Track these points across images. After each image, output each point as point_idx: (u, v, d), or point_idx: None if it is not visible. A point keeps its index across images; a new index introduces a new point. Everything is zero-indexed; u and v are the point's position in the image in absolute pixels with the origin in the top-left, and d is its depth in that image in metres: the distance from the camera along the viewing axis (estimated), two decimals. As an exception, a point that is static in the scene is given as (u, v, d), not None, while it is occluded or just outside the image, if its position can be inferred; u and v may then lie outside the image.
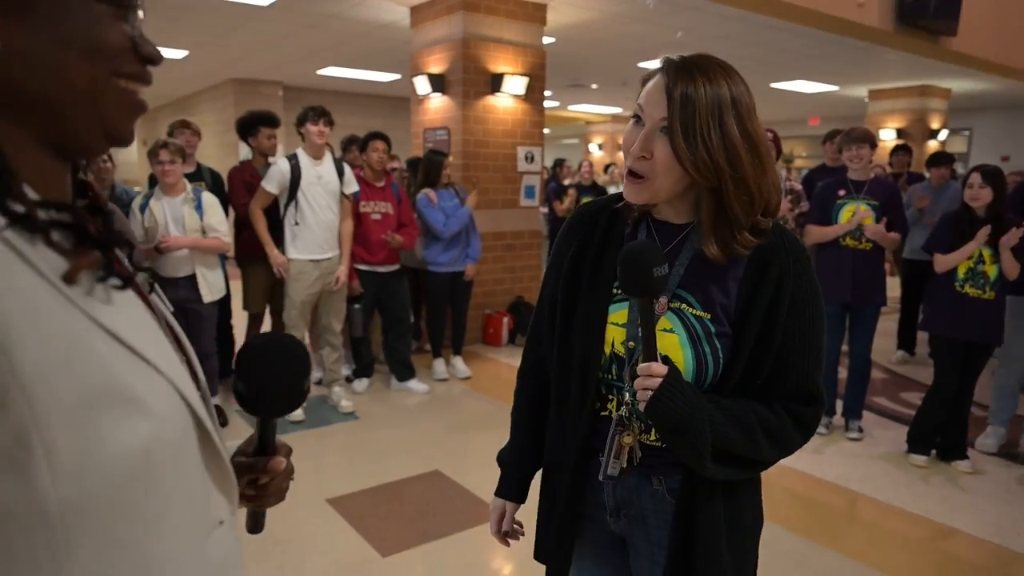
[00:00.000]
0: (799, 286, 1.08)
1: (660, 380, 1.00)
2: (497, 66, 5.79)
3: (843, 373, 4.03)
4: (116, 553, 0.55)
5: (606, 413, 1.15)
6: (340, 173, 3.99)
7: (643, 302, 1.02)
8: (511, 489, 1.32)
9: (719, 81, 1.02)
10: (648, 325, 1.03)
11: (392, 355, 4.62)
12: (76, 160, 0.63)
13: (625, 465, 1.10)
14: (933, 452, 3.55)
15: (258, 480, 0.79)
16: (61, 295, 0.52)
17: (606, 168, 11.52)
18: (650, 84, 1.07)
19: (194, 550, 0.62)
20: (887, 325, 6.45)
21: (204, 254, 3.70)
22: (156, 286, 0.70)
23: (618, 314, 1.12)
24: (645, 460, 1.13)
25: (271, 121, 4.31)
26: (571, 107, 14.56)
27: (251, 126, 4.29)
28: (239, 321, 4.56)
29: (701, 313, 1.08)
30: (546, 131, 20.32)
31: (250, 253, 4.18)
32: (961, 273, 3.29)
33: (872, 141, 3.80)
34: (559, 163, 9.08)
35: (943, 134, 10.62)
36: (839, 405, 4.01)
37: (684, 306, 1.09)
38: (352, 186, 4.07)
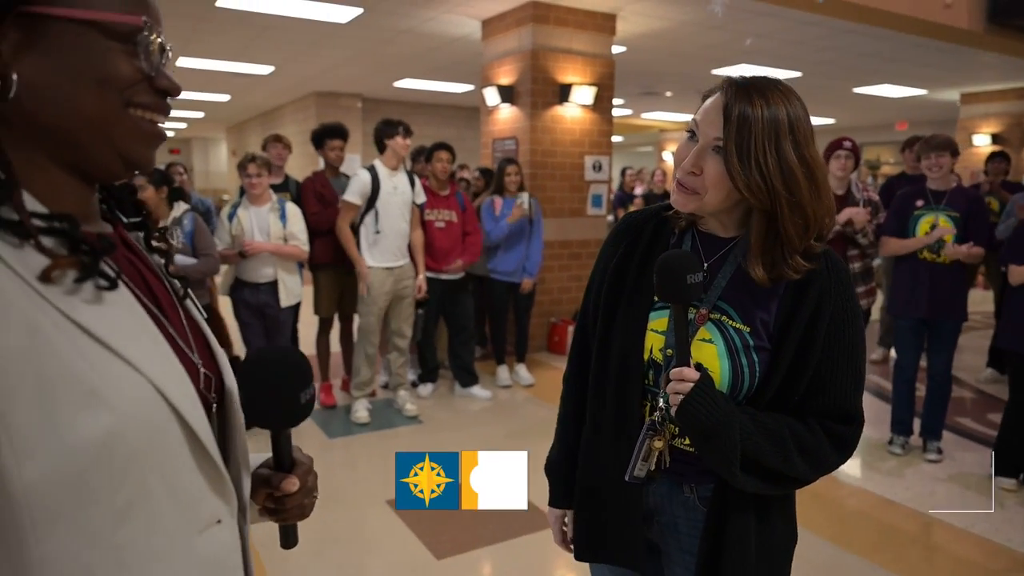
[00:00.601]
0: (839, 306, 1.08)
1: (691, 385, 1.03)
2: (565, 76, 5.83)
3: (922, 391, 3.84)
4: (85, 539, 0.58)
5: (641, 417, 1.17)
6: (412, 184, 4.13)
7: (677, 308, 1.04)
8: (565, 497, 1.33)
9: (778, 104, 1.03)
10: (682, 331, 1.05)
11: (455, 361, 4.71)
12: (99, 182, 0.69)
13: (653, 468, 1.12)
14: (1022, 476, 3.35)
15: (274, 495, 0.80)
16: (35, 292, 0.56)
17: None
18: (708, 102, 1.09)
19: (179, 545, 0.65)
20: (979, 342, 6.11)
21: (285, 260, 3.91)
22: (189, 291, 0.76)
23: (658, 321, 1.14)
24: (677, 467, 1.14)
25: (337, 133, 4.49)
26: (644, 115, 14.43)
27: (321, 138, 4.49)
28: (307, 327, 4.76)
29: (741, 326, 1.09)
30: (619, 139, 20.15)
31: (321, 260, 4.37)
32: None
33: (953, 149, 3.63)
34: (625, 171, 9.04)
35: (1045, 139, 9.95)
36: (917, 425, 3.83)
37: (724, 318, 1.10)
38: (421, 196, 4.21)
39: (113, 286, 0.61)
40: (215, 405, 0.72)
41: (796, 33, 6.74)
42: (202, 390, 0.70)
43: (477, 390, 4.65)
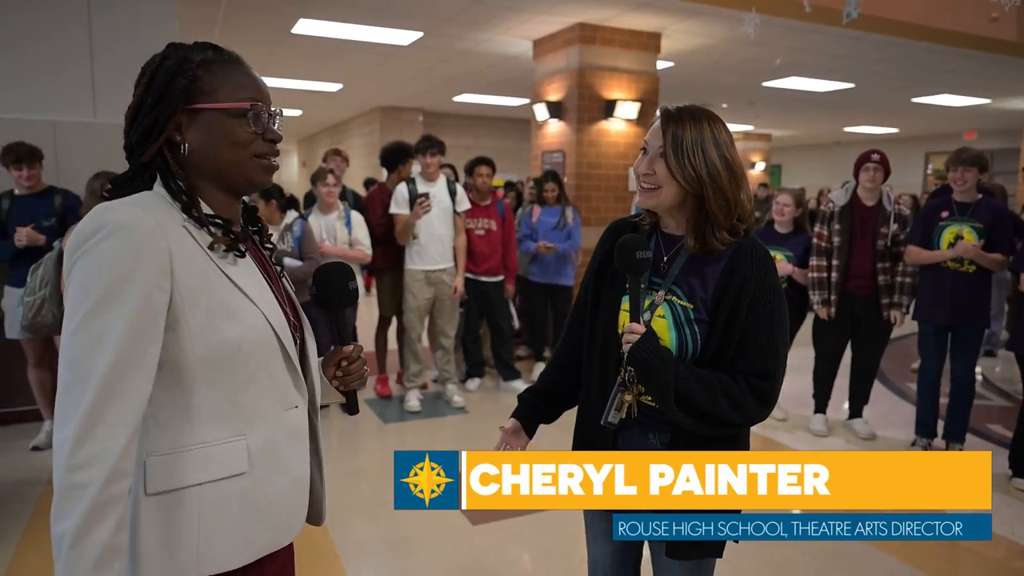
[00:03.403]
0: (759, 285, 1.39)
1: (638, 336, 1.37)
2: (611, 93, 6.15)
3: (948, 398, 3.96)
4: (222, 395, 1.01)
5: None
6: (452, 193, 4.52)
7: (632, 277, 1.38)
8: (521, 414, 1.63)
9: (700, 121, 1.39)
10: (635, 296, 1.38)
11: (497, 357, 5.09)
12: (241, 196, 1.13)
13: (624, 416, 1.44)
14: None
15: (340, 364, 1.24)
16: (207, 255, 1.01)
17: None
18: (653, 126, 1.45)
19: (272, 412, 1.07)
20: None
21: (350, 262, 4.36)
22: (283, 270, 1.21)
23: (627, 303, 1.45)
24: (643, 419, 1.46)
25: (407, 154, 4.90)
26: (700, 126, 14.52)
27: (400, 158, 4.86)
28: (365, 326, 5.20)
29: (686, 304, 1.41)
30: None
31: (383, 264, 4.80)
32: (1054, 294, 3.23)
33: (982, 164, 3.77)
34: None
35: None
36: (940, 427, 3.96)
37: (675, 298, 1.43)
38: (464, 204, 4.60)
39: (243, 256, 1.07)
40: (297, 340, 1.15)
41: (841, 47, 6.86)
42: (290, 328, 1.12)
43: (518, 384, 4.99)
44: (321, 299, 1.24)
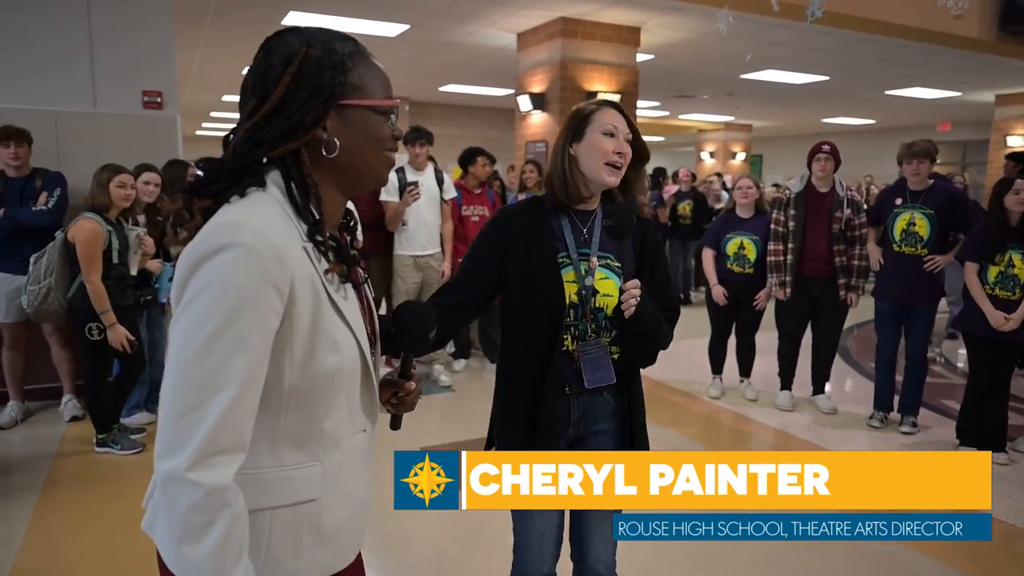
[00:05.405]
0: (653, 242, 1.73)
1: (639, 291, 1.59)
2: (592, 85, 6.37)
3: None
4: (307, 420, 0.97)
5: (564, 348, 1.66)
6: (440, 182, 4.74)
7: (620, 244, 1.65)
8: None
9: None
10: (628, 263, 1.66)
11: (483, 339, 5.33)
12: (352, 196, 1.07)
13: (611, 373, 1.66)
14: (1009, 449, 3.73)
15: (398, 394, 1.20)
16: (320, 281, 0.95)
17: (719, 176, 11.39)
18: (614, 115, 1.64)
19: (347, 435, 1.04)
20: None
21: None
22: (368, 282, 1.14)
23: (569, 274, 1.64)
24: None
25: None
26: (682, 116, 14.80)
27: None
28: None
29: (616, 264, 1.67)
30: (660, 139, 20.28)
31: (372, 249, 5.00)
32: (992, 277, 3.51)
33: (932, 156, 4.04)
34: (660, 173, 9.46)
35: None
36: (896, 402, 4.24)
37: (608, 260, 1.67)
38: (450, 192, 4.82)
39: (349, 282, 1.03)
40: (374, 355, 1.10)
41: (815, 42, 7.12)
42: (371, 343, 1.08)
43: (504, 364, 5.23)
44: (399, 342, 1.18)
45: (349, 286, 1.03)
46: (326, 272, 0.97)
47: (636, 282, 1.59)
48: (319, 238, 0.97)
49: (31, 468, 3.42)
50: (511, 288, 1.67)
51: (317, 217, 0.97)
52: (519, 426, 1.67)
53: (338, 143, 0.97)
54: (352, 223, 1.12)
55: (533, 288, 1.64)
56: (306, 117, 0.95)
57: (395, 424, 1.26)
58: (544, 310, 1.63)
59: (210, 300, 0.86)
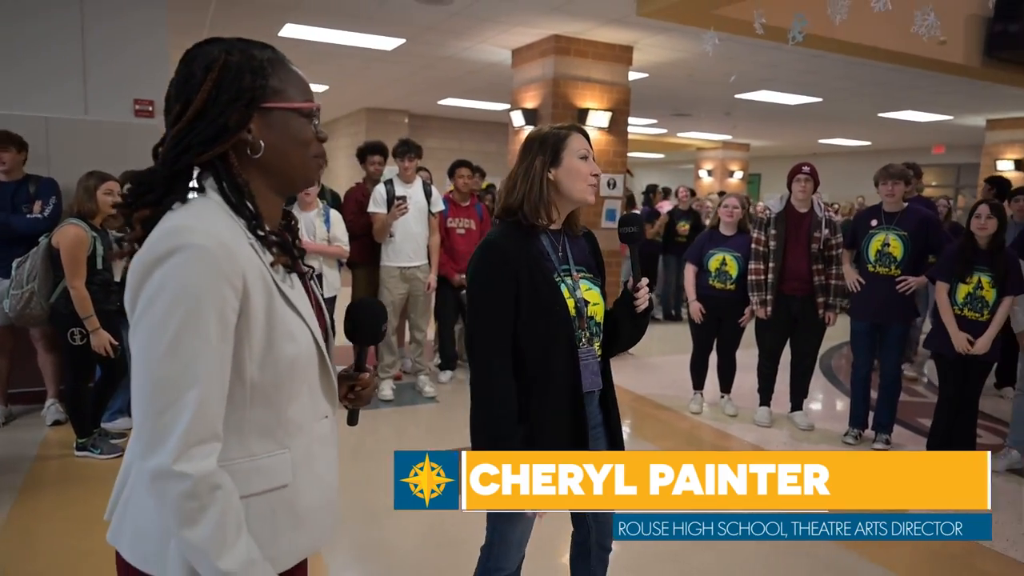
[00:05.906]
0: (601, 258, 1.90)
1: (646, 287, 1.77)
2: (584, 102, 6.46)
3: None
4: (272, 410, 1.02)
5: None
6: (428, 195, 4.81)
7: (632, 248, 1.78)
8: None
9: None
10: (635, 261, 1.77)
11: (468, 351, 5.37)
12: (284, 196, 1.12)
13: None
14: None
15: (353, 388, 1.25)
16: (269, 274, 1.00)
17: (720, 194, 11.13)
18: (583, 137, 1.76)
19: (309, 422, 1.08)
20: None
21: (328, 258, 4.62)
22: (315, 277, 1.19)
23: (565, 290, 1.71)
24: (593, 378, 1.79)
25: (378, 150, 5.19)
26: (680, 134, 14.90)
27: (363, 154, 5.21)
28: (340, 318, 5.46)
29: (591, 275, 1.81)
30: (659, 156, 20.32)
31: (359, 259, 5.07)
32: (960, 298, 3.57)
33: (907, 178, 4.12)
34: (652, 189, 9.56)
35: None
36: (871, 419, 4.28)
37: (586, 274, 1.80)
38: (438, 205, 4.88)
39: (294, 273, 1.09)
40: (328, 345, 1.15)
41: (806, 63, 7.22)
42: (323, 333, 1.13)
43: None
44: (353, 336, 1.25)
45: (296, 279, 1.09)
46: (272, 264, 1.02)
47: (645, 279, 1.76)
48: (260, 232, 1.01)
49: (10, 471, 3.46)
50: (525, 310, 1.68)
51: (253, 211, 1.02)
52: (562, 432, 1.70)
53: (263, 144, 1.01)
54: (293, 223, 1.17)
55: (543, 307, 1.69)
56: (230, 120, 0.98)
57: (352, 420, 1.29)
58: (557, 324, 1.70)
59: (168, 302, 0.90)
